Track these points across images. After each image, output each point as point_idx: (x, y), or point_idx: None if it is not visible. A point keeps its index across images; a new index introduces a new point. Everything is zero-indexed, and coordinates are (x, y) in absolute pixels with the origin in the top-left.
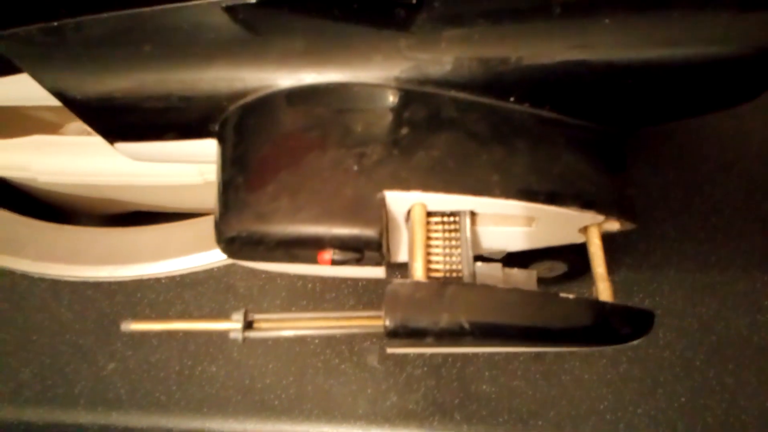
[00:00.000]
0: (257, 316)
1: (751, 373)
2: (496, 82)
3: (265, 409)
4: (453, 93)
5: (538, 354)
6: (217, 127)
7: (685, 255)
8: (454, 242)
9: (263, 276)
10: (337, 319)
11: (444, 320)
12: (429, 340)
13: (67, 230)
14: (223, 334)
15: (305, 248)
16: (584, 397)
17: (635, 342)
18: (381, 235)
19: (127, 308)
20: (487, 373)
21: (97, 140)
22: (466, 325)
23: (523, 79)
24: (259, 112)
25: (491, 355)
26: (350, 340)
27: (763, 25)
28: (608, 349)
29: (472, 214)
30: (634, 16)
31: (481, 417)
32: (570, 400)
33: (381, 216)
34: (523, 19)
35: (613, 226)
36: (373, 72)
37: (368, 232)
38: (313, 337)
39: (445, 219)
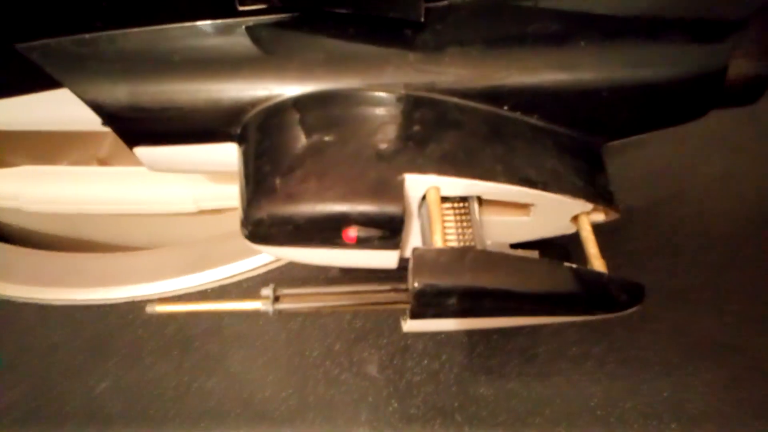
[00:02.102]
0: (284, 291)
1: (723, 368)
2: (491, 93)
3: (266, 420)
4: (456, 99)
5: (529, 357)
6: (238, 130)
7: (654, 268)
8: (465, 224)
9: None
10: (361, 293)
11: (466, 280)
12: (452, 301)
13: (57, 256)
14: (221, 352)
15: (332, 225)
16: (576, 395)
17: (630, 310)
18: (403, 211)
19: (121, 328)
20: (483, 377)
21: (87, 170)
22: (487, 286)
23: (514, 92)
24: (283, 113)
25: (486, 359)
26: (349, 351)
27: (708, 54)
28: (594, 350)
29: (479, 201)
30: (604, 42)
31: (482, 418)
32: (563, 399)
33: (402, 194)
34: (513, 42)
35: (599, 216)
36: (386, 80)
37: (392, 208)
38: (343, 309)
39: (456, 204)
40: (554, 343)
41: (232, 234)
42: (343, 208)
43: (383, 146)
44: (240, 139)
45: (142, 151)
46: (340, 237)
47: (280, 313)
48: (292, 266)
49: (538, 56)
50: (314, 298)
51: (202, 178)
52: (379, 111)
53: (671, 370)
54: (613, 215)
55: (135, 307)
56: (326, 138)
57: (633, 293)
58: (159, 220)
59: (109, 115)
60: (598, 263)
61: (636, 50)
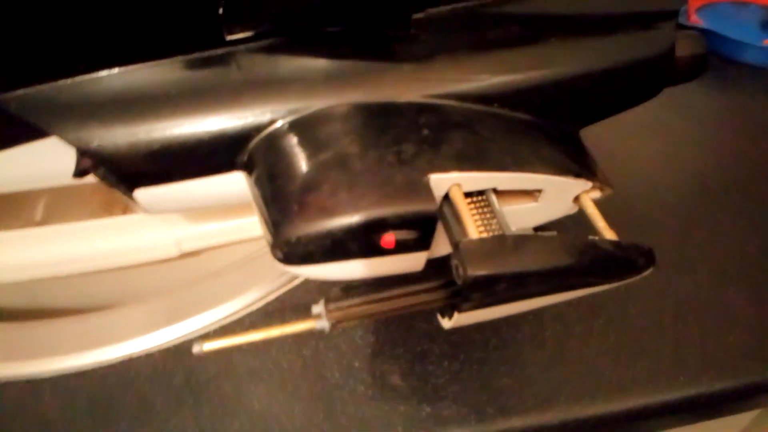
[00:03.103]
0: (334, 305)
1: (709, 321)
2: (481, 94)
3: None
4: (451, 102)
5: (539, 343)
6: (245, 158)
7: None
8: (489, 215)
9: None
10: (407, 295)
11: (514, 264)
12: (503, 286)
13: (34, 325)
14: (238, 391)
15: (370, 233)
16: (589, 369)
17: (648, 272)
18: (437, 208)
19: (123, 388)
20: (502, 368)
21: (59, 228)
22: (533, 266)
23: (501, 91)
24: (292, 133)
25: (501, 351)
26: (370, 366)
27: (657, 39)
28: (595, 326)
29: (495, 192)
30: (572, 38)
31: (511, 407)
32: (579, 375)
33: (433, 193)
34: (493, 45)
35: (596, 194)
36: (385, 91)
37: (426, 206)
38: (392, 314)
39: (475, 199)
40: (558, 326)
41: (218, 273)
42: (380, 213)
43: (400, 152)
44: (248, 167)
45: (143, 194)
46: (377, 244)
47: (334, 327)
48: (292, 293)
49: (517, 56)
50: (364, 308)
51: (182, 220)
52: (387, 120)
53: (665, 329)
54: (608, 191)
55: (134, 364)
56: (342, 151)
57: (647, 256)
58: (127, 273)
59: (107, 160)
60: (609, 234)
61: (599, 42)
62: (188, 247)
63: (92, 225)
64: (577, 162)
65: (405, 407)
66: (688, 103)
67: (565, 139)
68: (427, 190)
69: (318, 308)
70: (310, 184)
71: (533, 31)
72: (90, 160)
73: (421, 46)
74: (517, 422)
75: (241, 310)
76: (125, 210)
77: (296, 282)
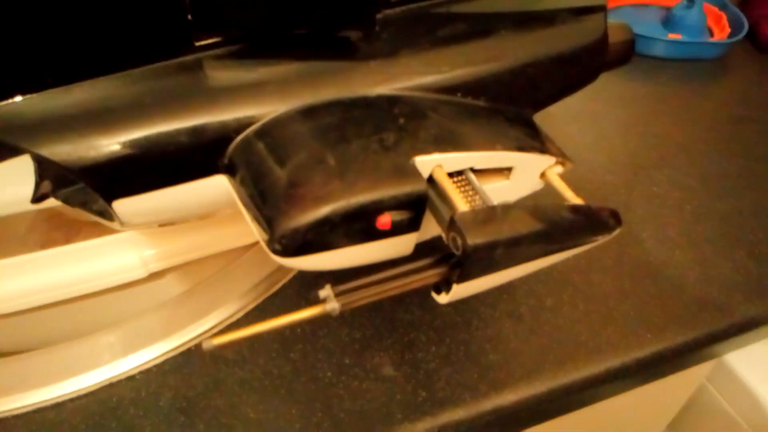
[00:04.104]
0: (341, 288)
1: (663, 281)
2: (444, 86)
3: None
4: (418, 94)
5: (517, 318)
6: (225, 161)
7: None
8: (470, 192)
9: (246, 345)
10: (407, 273)
11: (506, 231)
12: (498, 252)
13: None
14: (231, 403)
15: (366, 217)
16: (566, 337)
17: (616, 232)
18: (427, 187)
19: (107, 415)
20: (487, 345)
21: (20, 259)
22: (523, 231)
23: (461, 82)
24: (271, 133)
25: (483, 330)
26: (360, 361)
27: (592, 28)
28: (565, 297)
29: (472, 171)
30: (518, 31)
31: (502, 380)
32: (559, 343)
33: (421, 174)
34: (450, 41)
35: (559, 169)
36: (356, 86)
37: (417, 186)
38: (394, 292)
39: (455, 179)
40: (532, 301)
41: (192, 290)
42: (374, 196)
43: (383, 140)
44: (229, 169)
45: (122, 204)
46: (373, 228)
47: (343, 308)
48: (269, 301)
49: (474, 49)
50: (368, 289)
51: (147, 240)
52: (364, 112)
53: (627, 294)
54: (569, 165)
55: (115, 389)
56: (327, 143)
57: (615, 217)
58: (94, 302)
59: (85, 172)
60: (578, 201)
61: (543, 33)
62: (156, 267)
63: (55, 252)
64: (539, 141)
65: (401, 395)
66: (611, 94)
67: (523, 122)
68: (415, 172)
69: (325, 292)
70: (301, 177)
71: (484, 26)
72: (50, 183)
73: (385, 44)
74: (510, 395)
75: (222, 322)
76: None
77: (274, 290)
